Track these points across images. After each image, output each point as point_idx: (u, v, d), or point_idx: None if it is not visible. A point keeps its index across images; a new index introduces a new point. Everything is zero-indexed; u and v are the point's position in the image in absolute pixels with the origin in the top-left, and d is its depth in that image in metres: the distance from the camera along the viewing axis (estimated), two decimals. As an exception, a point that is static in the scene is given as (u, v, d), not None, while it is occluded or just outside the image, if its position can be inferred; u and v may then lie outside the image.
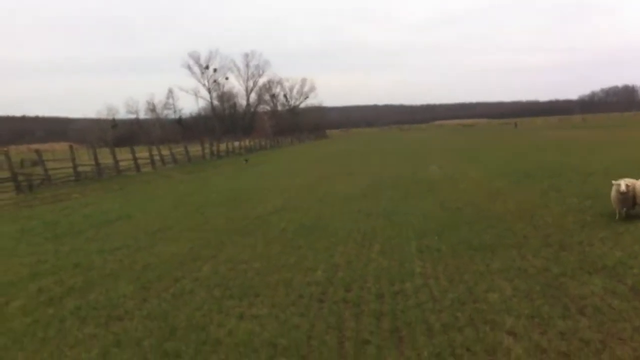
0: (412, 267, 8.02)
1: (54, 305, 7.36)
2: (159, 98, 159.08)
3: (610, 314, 5.69)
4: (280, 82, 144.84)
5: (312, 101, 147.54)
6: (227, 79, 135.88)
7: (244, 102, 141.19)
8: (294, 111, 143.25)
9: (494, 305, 6.18)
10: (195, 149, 54.25)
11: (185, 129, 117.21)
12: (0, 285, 8.58)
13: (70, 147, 36.68)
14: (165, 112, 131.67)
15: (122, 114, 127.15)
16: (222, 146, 62.19)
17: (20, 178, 27.60)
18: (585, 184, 15.62)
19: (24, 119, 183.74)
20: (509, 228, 10.34)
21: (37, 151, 32.98)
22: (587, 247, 8.45)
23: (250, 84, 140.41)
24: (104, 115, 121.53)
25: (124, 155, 41.31)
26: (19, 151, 60.63)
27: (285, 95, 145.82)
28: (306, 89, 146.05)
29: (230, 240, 11.22)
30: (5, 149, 48.02)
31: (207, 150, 55.59)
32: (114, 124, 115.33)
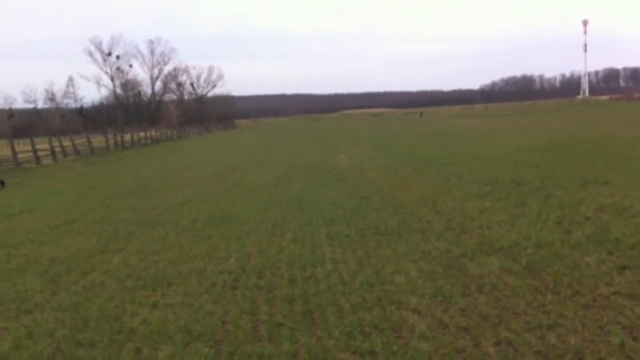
0: (322, 253, 8.28)
1: (-43, 301, 7.13)
2: (59, 86, 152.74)
3: (506, 290, 6.13)
4: (186, 70, 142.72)
5: (220, 90, 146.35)
6: (131, 66, 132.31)
7: (149, 91, 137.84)
8: (201, 100, 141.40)
9: (400, 286, 6.51)
10: (98, 140, 52.61)
11: (87, 119, 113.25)
12: None
13: (-36, 138, 34.80)
14: (66, 101, 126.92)
15: (19, 103, 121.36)
16: (127, 137, 60.58)
17: None
18: (485, 170, 16.42)
19: None
20: (414, 213, 10.79)
21: None
22: (486, 230, 8.97)
23: (156, 71, 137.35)
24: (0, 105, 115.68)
25: (22, 147, 39.61)
26: None
27: (192, 84, 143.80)
28: (214, 77, 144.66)
29: (140, 231, 11.12)
30: None
31: (110, 141, 54.05)
32: (10, 113, 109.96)
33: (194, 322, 5.82)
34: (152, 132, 73.46)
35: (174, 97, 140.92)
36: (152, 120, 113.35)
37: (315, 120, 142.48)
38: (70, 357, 5.13)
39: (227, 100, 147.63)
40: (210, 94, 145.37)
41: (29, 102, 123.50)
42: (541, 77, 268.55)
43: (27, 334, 5.80)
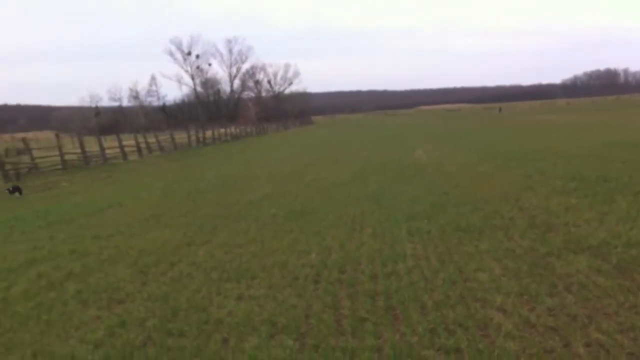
0: (403, 249, 8.26)
1: (55, 289, 7.51)
2: (142, 85, 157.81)
3: (596, 290, 5.96)
4: (263, 68, 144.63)
5: (296, 87, 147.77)
6: (210, 65, 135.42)
7: (228, 89, 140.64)
8: (278, 97, 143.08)
9: (483, 284, 6.43)
10: (180, 137, 54.09)
11: (169, 117, 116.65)
12: (1, 271, 8.70)
13: (57, 135, 36.53)
14: (149, 99, 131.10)
15: (105, 102, 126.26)
16: (208, 133, 62.05)
17: (8, 167, 27.54)
18: (569, 166, 15.94)
19: (5, 108, 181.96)
20: (496, 210, 10.60)
21: (23, 140, 32.85)
22: (573, 228, 8.71)
23: (234, 70, 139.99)
24: (86, 102, 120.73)
25: (109, 143, 41.21)
26: (3, 140, 60.15)
27: (269, 82, 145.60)
28: (290, 74, 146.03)
29: (223, 225, 11.40)
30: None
31: (192, 138, 55.51)
32: (97, 111, 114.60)
33: (278, 314, 5.94)
34: (232, 129, 74.99)
35: (251, 94, 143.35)
36: (231, 117, 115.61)
37: (391, 116, 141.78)
38: (161, 346, 5.32)
39: (303, 97, 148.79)
40: (287, 91, 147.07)
41: (114, 100, 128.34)
42: (626, 71, 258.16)
43: (119, 322, 6.06)
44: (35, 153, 31.06)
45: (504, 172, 16.25)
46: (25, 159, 30.54)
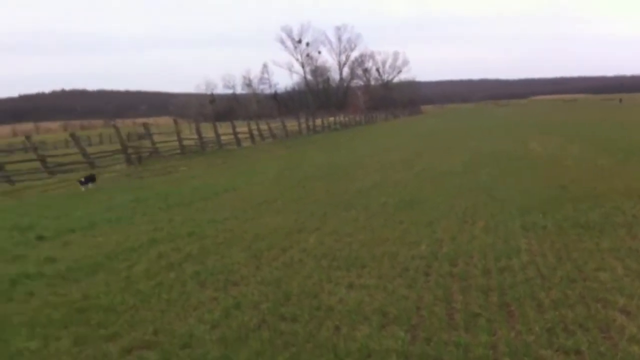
0: (517, 244, 8.02)
1: (174, 270, 7.87)
2: (255, 73, 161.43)
3: None
4: (372, 56, 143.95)
5: (405, 76, 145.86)
6: (319, 53, 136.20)
7: (337, 77, 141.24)
8: (387, 86, 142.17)
9: (604, 283, 6.14)
10: (291, 124, 55.09)
11: (280, 104, 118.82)
12: (124, 250, 9.21)
13: (175, 121, 38.24)
14: (261, 87, 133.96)
15: (219, 89, 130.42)
16: (318, 121, 62.78)
17: (130, 150, 29.09)
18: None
19: (127, 94, 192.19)
20: (617, 207, 10.08)
21: (144, 125, 34.61)
22: None
23: (343, 58, 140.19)
24: (202, 90, 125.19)
25: (224, 130, 42.58)
26: (125, 125, 63.57)
27: (377, 70, 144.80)
28: (399, 62, 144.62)
29: (333, 213, 11.51)
30: (112, 122, 50.46)
31: (303, 126, 56.36)
32: (212, 99, 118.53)
33: (388, 304, 5.93)
34: (341, 117, 75.42)
35: (360, 83, 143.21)
36: (340, 105, 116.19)
37: (502, 106, 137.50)
38: (274, 329, 5.46)
39: (412, 86, 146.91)
40: (396, 79, 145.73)
41: (229, 87, 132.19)
42: None
43: (234, 304, 6.26)
44: (155, 138, 32.65)
45: (626, 166, 15.41)
46: (147, 143, 32.17)
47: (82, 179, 19.53)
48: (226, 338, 5.30)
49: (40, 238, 10.57)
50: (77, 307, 6.42)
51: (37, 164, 25.45)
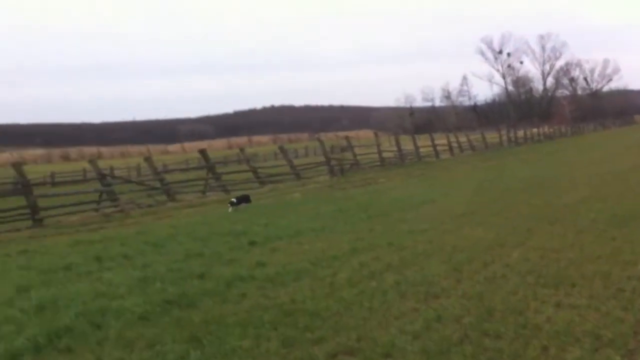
0: None
1: (375, 279, 8.00)
2: (454, 85, 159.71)
3: None
4: (579, 64, 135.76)
5: (616, 84, 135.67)
6: (521, 63, 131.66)
7: (540, 87, 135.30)
8: (595, 95, 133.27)
9: None
10: (491, 136, 53.74)
11: (480, 116, 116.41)
12: (327, 258, 9.54)
13: (375, 134, 39.15)
14: (460, 99, 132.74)
15: (418, 102, 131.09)
16: (520, 133, 60.58)
17: (333, 162, 30.25)
18: None
19: (330, 108, 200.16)
20: None
21: (346, 138, 35.81)
22: None
23: (547, 67, 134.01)
24: (402, 103, 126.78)
25: (422, 142, 42.66)
26: (328, 138, 66.09)
27: (585, 79, 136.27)
28: (609, 70, 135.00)
29: (537, 227, 11.00)
30: (316, 135, 52.79)
31: (504, 137, 54.75)
32: (411, 112, 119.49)
33: (602, 327, 5.53)
34: (545, 129, 72.08)
35: (566, 92, 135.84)
36: (543, 116, 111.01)
37: None
38: (477, 345, 5.33)
39: (624, 95, 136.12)
40: (606, 88, 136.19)
41: (427, 100, 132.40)
42: None
43: (435, 316, 6.20)
44: (356, 150, 33.63)
45: None
46: (348, 155, 33.25)
47: (234, 199, 18.64)
48: (428, 350, 5.27)
49: (252, 243, 11.31)
50: (285, 310, 6.75)
51: (250, 175, 27.41)
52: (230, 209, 17.79)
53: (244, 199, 18.86)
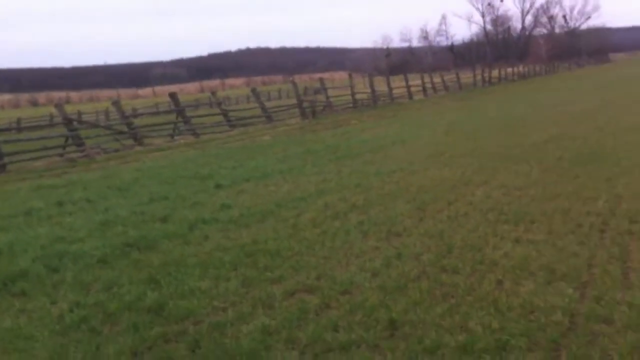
0: None
1: (339, 219, 8.00)
2: (432, 25, 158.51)
3: None
4: (559, 2, 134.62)
5: (594, 22, 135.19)
6: (501, 1, 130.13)
7: (518, 26, 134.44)
8: (573, 34, 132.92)
9: None
10: (466, 76, 53.60)
11: (457, 56, 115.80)
12: (293, 199, 9.52)
13: (350, 75, 38.73)
14: (438, 39, 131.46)
15: (396, 43, 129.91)
16: (494, 73, 60.40)
17: (305, 105, 29.98)
18: None
19: (307, 50, 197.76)
20: None
21: (320, 79, 35.39)
22: None
23: (527, 5, 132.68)
24: (379, 44, 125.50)
25: (397, 84, 42.40)
26: (302, 80, 65.59)
27: (564, 17, 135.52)
28: (589, 8, 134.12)
29: (503, 166, 11.05)
30: (291, 77, 52.27)
31: (478, 77, 54.56)
32: (387, 52, 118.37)
33: (557, 261, 5.60)
34: (520, 68, 71.97)
35: (544, 31, 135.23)
36: (520, 56, 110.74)
37: None
38: (435, 280, 5.37)
39: (601, 33, 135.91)
40: (584, 26, 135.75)
41: (405, 41, 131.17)
42: None
43: (396, 254, 6.23)
44: (329, 92, 33.33)
45: None
46: (321, 97, 32.95)
47: None
48: (385, 286, 5.30)
49: (217, 186, 11.22)
50: (247, 251, 6.74)
51: (220, 118, 27.11)
52: None
53: None
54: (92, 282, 5.99)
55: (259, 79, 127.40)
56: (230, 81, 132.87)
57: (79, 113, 46.17)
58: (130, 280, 5.94)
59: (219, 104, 29.30)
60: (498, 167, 11.05)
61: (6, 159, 17.61)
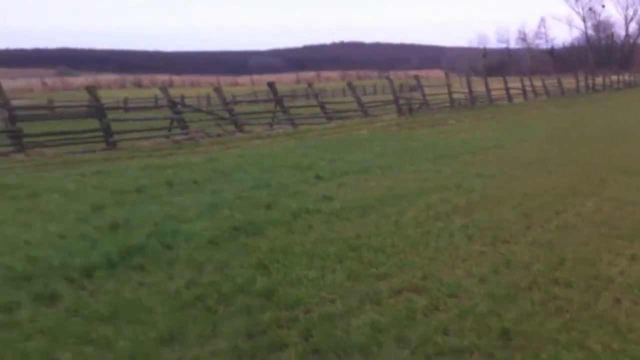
0: None
1: (442, 220, 7.91)
2: (530, 27, 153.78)
3: None
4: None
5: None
6: (603, 6, 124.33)
7: (622, 33, 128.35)
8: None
9: None
10: (568, 81, 51.75)
11: (557, 60, 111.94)
12: (394, 196, 9.49)
13: (446, 74, 38.26)
14: (537, 41, 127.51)
15: (492, 43, 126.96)
16: (598, 80, 58.00)
17: (401, 101, 29.80)
18: None
19: (401, 46, 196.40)
20: None
21: (416, 77, 35.09)
22: None
23: (630, 12, 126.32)
24: (474, 44, 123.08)
25: (494, 85, 41.47)
26: (397, 76, 65.10)
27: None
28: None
29: (612, 178, 10.61)
30: (386, 73, 52.04)
31: (581, 83, 52.55)
32: (484, 53, 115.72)
33: (680, 284, 5.35)
34: (625, 76, 68.80)
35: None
36: (624, 63, 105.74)
37: None
38: (547, 293, 5.22)
39: None
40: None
41: (502, 42, 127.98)
42: None
43: (503, 261, 6.10)
44: (425, 90, 32.98)
45: None
46: (417, 95, 32.64)
47: None
48: (495, 294, 5.20)
49: (318, 177, 11.35)
50: (350, 245, 6.78)
51: (317, 110, 27.37)
52: None
53: None
54: (204, 262, 6.19)
55: (353, 73, 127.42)
56: (325, 74, 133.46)
57: (182, 97, 47.68)
58: (241, 264, 6.11)
59: (316, 96, 29.56)
60: (607, 178, 10.62)
61: (116, 137, 18.45)
